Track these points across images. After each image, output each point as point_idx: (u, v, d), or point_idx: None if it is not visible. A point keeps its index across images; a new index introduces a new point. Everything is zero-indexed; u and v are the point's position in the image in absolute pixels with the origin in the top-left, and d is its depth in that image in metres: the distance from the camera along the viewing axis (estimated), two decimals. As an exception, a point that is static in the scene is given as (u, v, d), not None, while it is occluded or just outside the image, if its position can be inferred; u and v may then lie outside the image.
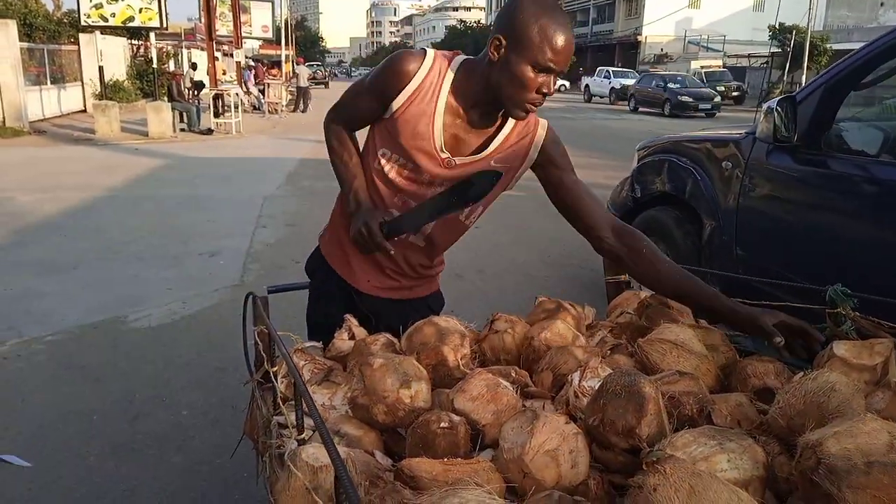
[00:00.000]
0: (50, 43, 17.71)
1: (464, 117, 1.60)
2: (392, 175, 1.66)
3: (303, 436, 1.11)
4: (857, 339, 1.42)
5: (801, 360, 1.42)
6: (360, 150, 1.77)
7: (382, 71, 1.61)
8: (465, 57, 1.63)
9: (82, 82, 18.77)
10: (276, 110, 20.77)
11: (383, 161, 1.66)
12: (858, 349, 1.30)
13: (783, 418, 1.10)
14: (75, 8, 15.49)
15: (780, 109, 2.68)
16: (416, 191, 1.67)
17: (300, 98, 22.13)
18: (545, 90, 1.48)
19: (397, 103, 1.58)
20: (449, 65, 1.59)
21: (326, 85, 43.39)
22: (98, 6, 14.69)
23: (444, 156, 1.61)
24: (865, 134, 2.97)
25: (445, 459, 1.00)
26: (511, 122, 1.63)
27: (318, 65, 50.64)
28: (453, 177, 1.63)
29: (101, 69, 15.55)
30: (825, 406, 1.07)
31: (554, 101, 30.77)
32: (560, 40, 1.43)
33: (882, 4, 47.87)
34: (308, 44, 64.89)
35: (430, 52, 1.61)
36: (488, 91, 1.53)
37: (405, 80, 1.56)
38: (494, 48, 1.48)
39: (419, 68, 1.57)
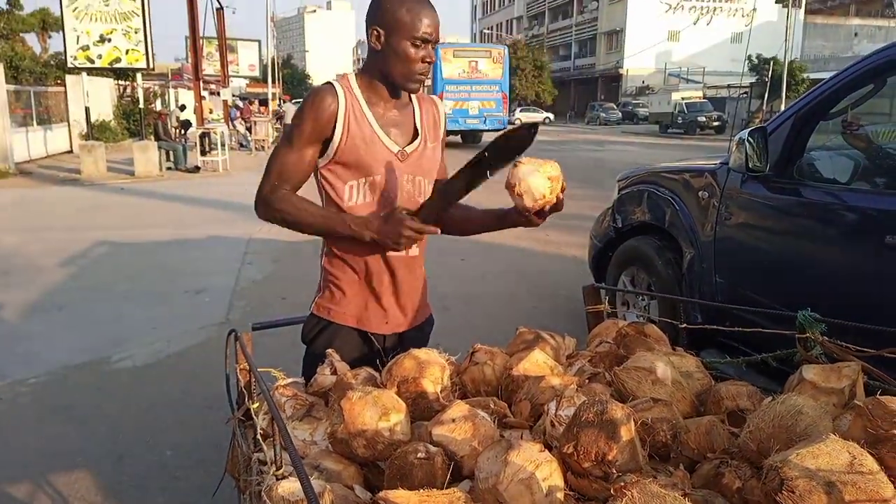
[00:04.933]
0: (36, 85, 17.81)
1: (386, 110, 1.74)
2: (368, 199, 1.73)
3: (281, 471, 1.12)
4: (826, 363, 1.46)
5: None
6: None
7: (313, 116, 1.67)
8: (355, 70, 1.82)
9: (69, 123, 18.84)
10: (263, 147, 20.88)
11: (354, 192, 1.72)
12: (827, 373, 1.33)
13: (753, 442, 1.12)
14: (62, 50, 15.62)
15: (751, 140, 2.75)
16: (393, 199, 1.74)
17: (287, 135, 22.24)
18: (428, 60, 1.66)
19: (338, 134, 1.68)
20: (348, 79, 1.73)
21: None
22: (85, 48, 14.81)
23: (396, 149, 1.73)
24: (836, 162, 3.05)
25: (421, 490, 1.02)
26: (416, 103, 1.81)
27: (304, 102, 50.91)
28: (411, 170, 1.76)
29: (87, 110, 15.61)
30: (793, 429, 1.10)
31: (538, 134, 31.08)
32: (428, 14, 1.63)
33: (856, 35, 49.15)
34: (295, 81, 65.51)
35: (331, 80, 1.75)
36: (385, 78, 1.70)
37: (335, 111, 1.67)
38: (375, 39, 1.66)
39: (337, 95, 1.68)
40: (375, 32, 1.65)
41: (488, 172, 1.63)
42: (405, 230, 1.65)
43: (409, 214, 1.69)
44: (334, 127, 1.67)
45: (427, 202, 1.73)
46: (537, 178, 1.55)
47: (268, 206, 1.73)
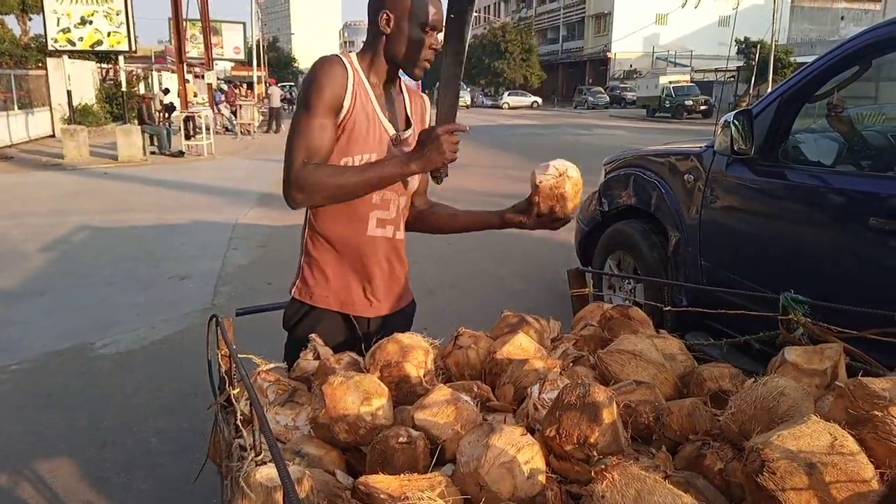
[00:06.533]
0: (17, 68, 17.52)
1: (384, 94, 1.75)
2: None
3: (261, 457, 1.11)
4: (809, 344, 1.46)
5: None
6: None
7: (331, 83, 1.62)
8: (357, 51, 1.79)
9: (51, 107, 18.54)
10: (248, 131, 20.69)
11: None
12: (809, 354, 1.33)
13: (735, 424, 1.12)
14: (42, 32, 15.37)
15: (736, 122, 2.74)
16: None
17: (272, 119, 22.09)
18: (435, 47, 1.69)
19: (346, 104, 1.65)
20: (350, 57, 1.71)
21: (300, 105, 43.02)
22: (66, 30, 14.58)
23: (393, 133, 1.73)
24: (821, 145, 3.05)
25: (402, 475, 1.01)
26: (406, 94, 1.82)
27: (290, 85, 50.58)
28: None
29: (69, 93, 15.41)
30: (775, 410, 1.10)
31: (525, 119, 31.15)
32: (438, 2, 1.67)
33: (842, 18, 49.30)
34: (281, 64, 64.84)
35: (337, 53, 1.73)
36: (389, 62, 1.71)
37: (346, 81, 1.65)
38: (385, 23, 1.66)
39: (346, 66, 1.66)
40: (385, 16, 1.66)
41: (454, 17, 1.58)
42: (445, 140, 1.56)
43: (427, 129, 1.63)
44: (344, 97, 1.65)
45: (437, 104, 1.65)
46: (574, 172, 1.66)
47: (303, 182, 1.58)
